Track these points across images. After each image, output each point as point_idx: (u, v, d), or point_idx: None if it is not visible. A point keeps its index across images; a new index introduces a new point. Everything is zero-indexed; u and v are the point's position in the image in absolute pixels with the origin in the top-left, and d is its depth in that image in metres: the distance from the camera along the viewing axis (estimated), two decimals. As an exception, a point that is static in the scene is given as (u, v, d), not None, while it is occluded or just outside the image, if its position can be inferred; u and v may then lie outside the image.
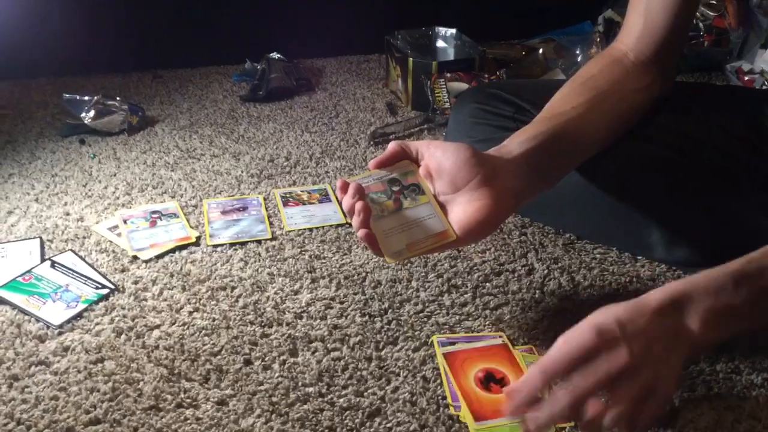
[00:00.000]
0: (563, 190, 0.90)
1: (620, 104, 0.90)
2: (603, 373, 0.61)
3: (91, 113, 1.34)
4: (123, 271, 0.95)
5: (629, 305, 0.65)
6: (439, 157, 0.75)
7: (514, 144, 0.78)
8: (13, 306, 0.87)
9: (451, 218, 0.74)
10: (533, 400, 0.63)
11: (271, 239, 1.02)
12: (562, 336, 0.64)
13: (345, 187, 0.75)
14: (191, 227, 1.05)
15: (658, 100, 0.95)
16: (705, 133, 0.96)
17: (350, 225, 1.05)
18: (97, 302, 0.89)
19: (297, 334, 0.84)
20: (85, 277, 0.93)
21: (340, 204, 1.10)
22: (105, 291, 0.91)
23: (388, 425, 0.71)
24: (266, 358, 0.80)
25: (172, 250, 0.99)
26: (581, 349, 0.62)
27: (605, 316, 0.64)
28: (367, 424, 0.72)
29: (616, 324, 0.63)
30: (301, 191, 1.15)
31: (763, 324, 0.71)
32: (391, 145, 0.77)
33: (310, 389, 0.76)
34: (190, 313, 0.87)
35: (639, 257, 0.98)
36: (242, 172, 1.22)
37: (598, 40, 1.60)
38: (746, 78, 1.57)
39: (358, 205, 0.73)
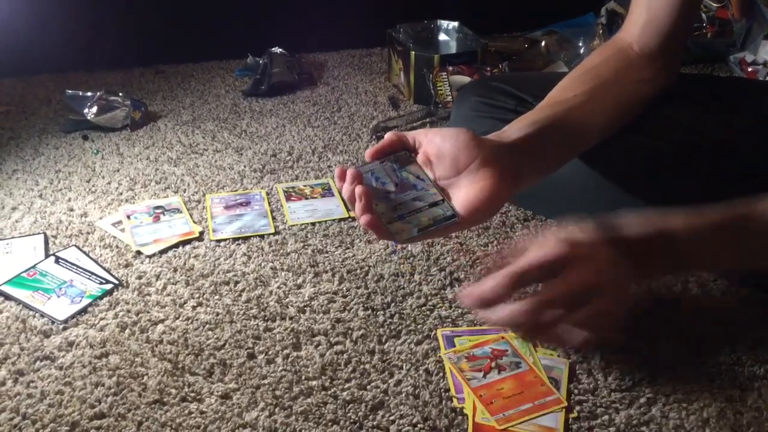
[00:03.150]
0: (565, 182, 0.90)
1: (622, 94, 0.90)
2: (568, 286, 0.66)
3: (94, 109, 1.35)
4: (127, 266, 0.95)
5: (602, 227, 0.69)
6: (438, 142, 0.76)
7: (514, 129, 0.79)
8: (18, 301, 0.88)
9: (454, 201, 0.74)
10: (495, 299, 0.68)
11: (274, 234, 1.03)
12: (532, 245, 0.68)
13: (343, 175, 0.74)
14: (194, 222, 1.05)
15: (662, 92, 0.94)
16: (708, 126, 0.96)
17: (353, 219, 1.05)
18: (101, 297, 0.89)
19: (300, 328, 0.84)
20: (89, 272, 0.93)
21: (341, 195, 1.10)
22: (109, 286, 0.91)
23: (391, 418, 0.72)
24: (269, 352, 0.80)
25: (176, 245, 1.00)
26: (552, 257, 0.66)
27: (577, 231, 0.68)
28: (371, 417, 0.72)
29: (587, 239, 0.67)
30: (304, 186, 1.16)
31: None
32: (388, 135, 0.78)
33: (314, 383, 0.76)
34: (194, 307, 0.88)
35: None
36: (245, 167, 1.22)
37: (601, 32, 1.60)
38: (749, 69, 1.57)
39: (358, 189, 0.72)
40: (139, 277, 0.93)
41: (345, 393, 0.75)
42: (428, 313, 0.86)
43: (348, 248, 0.99)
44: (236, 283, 0.92)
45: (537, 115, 0.82)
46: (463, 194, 0.74)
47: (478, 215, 0.75)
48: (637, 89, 0.91)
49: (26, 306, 0.87)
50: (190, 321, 0.85)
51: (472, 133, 0.74)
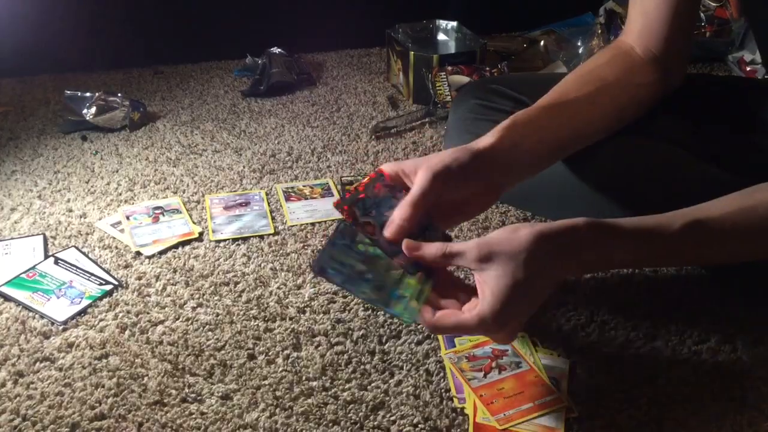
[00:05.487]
0: (559, 183, 0.90)
1: (622, 97, 0.89)
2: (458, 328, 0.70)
3: (93, 110, 1.34)
4: (126, 267, 0.95)
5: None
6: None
7: (495, 134, 0.80)
8: (18, 303, 0.88)
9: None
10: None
11: (274, 234, 1.03)
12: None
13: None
14: (194, 223, 1.05)
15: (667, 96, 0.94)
16: (699, 127, 0.95)
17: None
18: (100, 298, 0.89)
19: (300, 329, 0.84)
20: (89, 273, 0.93)
21: (342, 196, 1.09)
22: (109, 287, 0.91)
23: (392, 418, 0.72)
24: (270, 353, 0.80)
25: (175, 246, 1.00)
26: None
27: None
28: (371, 417, 0.72)
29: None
30: (303, 186, 1.16)
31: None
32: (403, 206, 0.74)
33: (314, 383, 0.76)
34: (194, 308, 0.88)
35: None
36: (244, 167, 1.22)
37: (600, 31, 1.60)
38: (748, 69, 1.57)
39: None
40: (139, 278, 0.93)
41: (346, 393, 0.75)
42: (428, 313, 0.86)
43: (348, 248, 0.99)
44: (236, 283, 0.92)
45: (529, 116, 0.82)
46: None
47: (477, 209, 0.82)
48: (637, 93, 0.91)
49: (26, 307, 0.87)
50: (190, 322, 0.85)
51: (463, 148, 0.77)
